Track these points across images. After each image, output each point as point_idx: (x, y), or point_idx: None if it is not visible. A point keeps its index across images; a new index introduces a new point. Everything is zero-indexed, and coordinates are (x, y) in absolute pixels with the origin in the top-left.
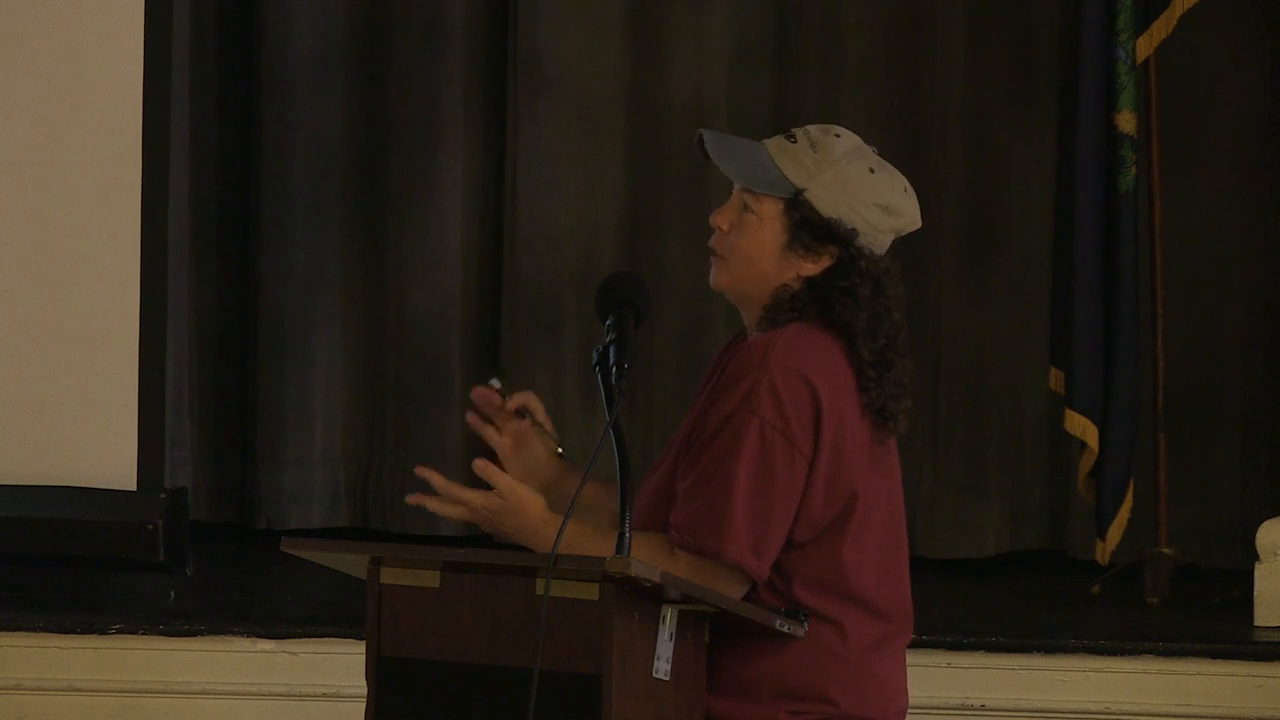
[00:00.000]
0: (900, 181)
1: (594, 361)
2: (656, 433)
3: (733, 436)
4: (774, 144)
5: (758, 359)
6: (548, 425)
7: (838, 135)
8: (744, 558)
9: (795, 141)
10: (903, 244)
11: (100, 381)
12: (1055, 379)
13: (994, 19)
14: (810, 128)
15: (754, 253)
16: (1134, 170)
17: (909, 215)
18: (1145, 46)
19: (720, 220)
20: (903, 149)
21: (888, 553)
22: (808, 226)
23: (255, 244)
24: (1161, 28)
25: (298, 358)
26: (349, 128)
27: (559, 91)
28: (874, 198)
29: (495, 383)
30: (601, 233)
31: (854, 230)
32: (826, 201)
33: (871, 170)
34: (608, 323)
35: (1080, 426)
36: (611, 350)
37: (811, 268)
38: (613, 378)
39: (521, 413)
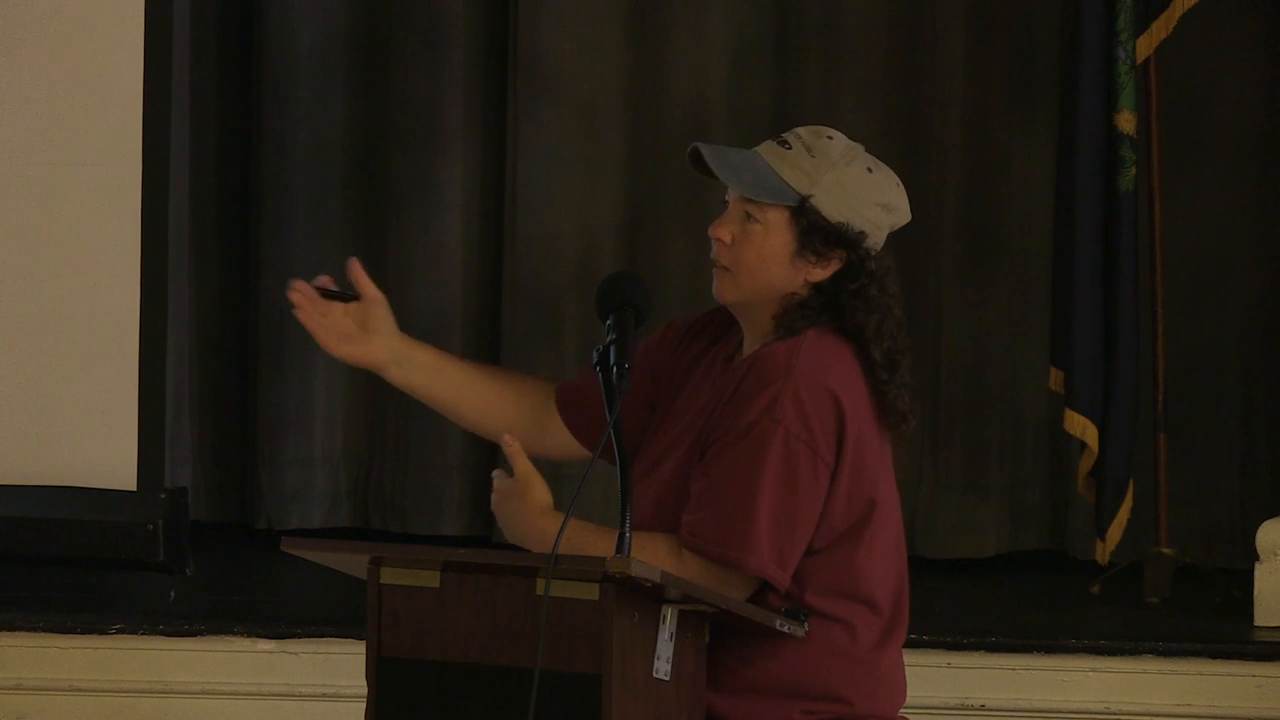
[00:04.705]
0: (893, 177)
1: (594, 361)
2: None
3: (756, 446)
4: (768, 151)
5: (781, 369)
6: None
7: (829, 138)
8: (767, 568)
9: (790, 148)
10: (902, 243)
11: (100, 381)
12: (1055, 379)
13: (994, 19)
14: (800, 131)
15: (762, 262)
16: (1134, 170)
17: (902, 210)
18: (1145, 46)
19: (721, 233)
20: (903, 149)
21: (891, 554)
22: (816, 232)
23: (255, 244)
24: (1161, 28)
25: (298, 357)
26: (349, 128)
27: (559, 91)
28: (875, 197)
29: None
30: (601, 233)
31: (862, 233)
32: (832, 206)
33: (869, 170)
34: (608, 323)
35: (1080, 426)
36: (611, 350)
37: (820, 273)
38: (613, 377)
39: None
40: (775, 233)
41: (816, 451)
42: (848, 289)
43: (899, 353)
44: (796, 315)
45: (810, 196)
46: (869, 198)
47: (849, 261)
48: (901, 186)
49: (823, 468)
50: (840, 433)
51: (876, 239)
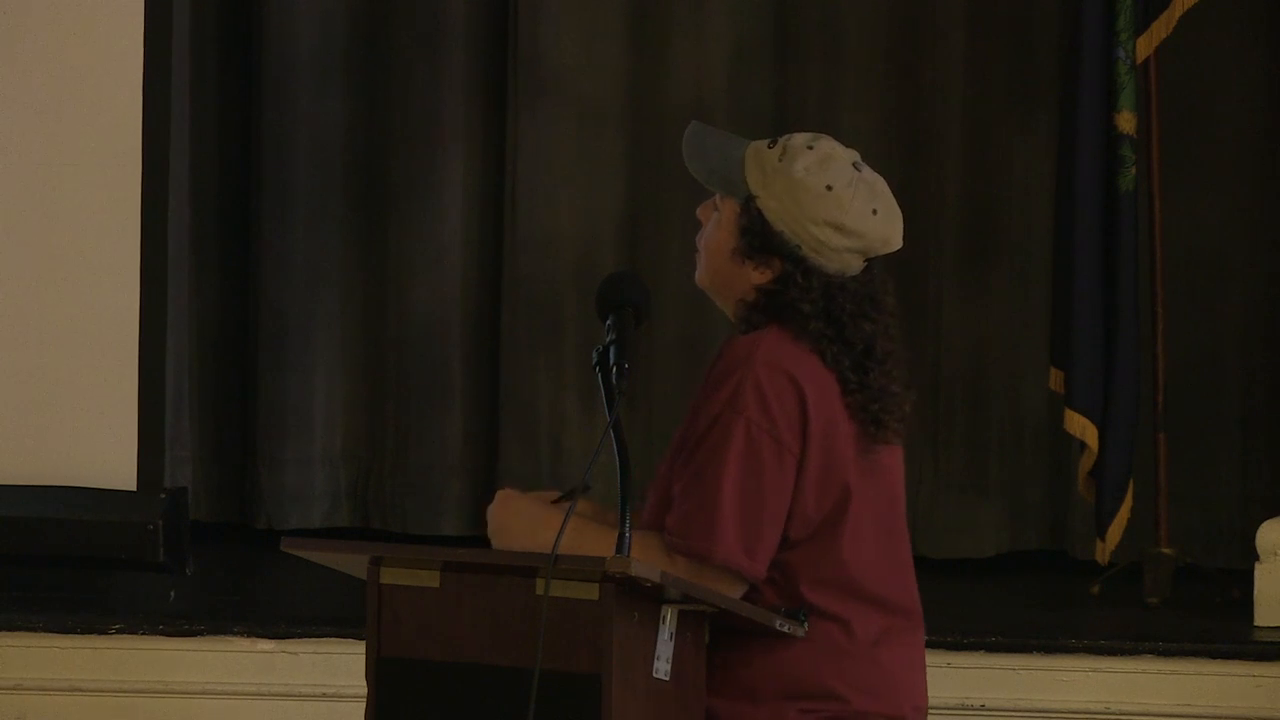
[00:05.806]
0: (871, 203)
1: (594, 361)
2: (656, 433)
3: (720, 437)
4: (756, 145)
5: (742, 358)
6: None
7: (810, 147)
8: (735, 558)
9: (773, 147)
10: (903, 244)
11: (100, 381)
12: (1055, 379)
13: (994, 19)
14: (799, 135)
15: (713, 251)
16: (1134, 170)
17: (874, 236)
18: (1145, 46)
19: (701, 214)
20: (903, 149)
21: (888, 549)
22: (755, 234)
23: (255, 244)
24: (1161, 28)
25: (298, 357)
26: (349, 128)
27: (559, 92)
28: (824, 215)
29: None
30: (601, 233)
31: (797, 245)
32: (775, 212)
33: (829, 188)
34: (608, 323)
35: (1080, 426)
36: (611, 350)
37: (759, 276)
38: (613, 378)
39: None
40: (725, 224)
41: (779, 438)
42: (781, 299)
43: (871, 361)
44: (750, 316)
45: (756, 197)
46: (816, 214)
47: (783, 271)
48: (884, 214)
49: (787, 455)
50: (803, 417)
51: (824, 256)
